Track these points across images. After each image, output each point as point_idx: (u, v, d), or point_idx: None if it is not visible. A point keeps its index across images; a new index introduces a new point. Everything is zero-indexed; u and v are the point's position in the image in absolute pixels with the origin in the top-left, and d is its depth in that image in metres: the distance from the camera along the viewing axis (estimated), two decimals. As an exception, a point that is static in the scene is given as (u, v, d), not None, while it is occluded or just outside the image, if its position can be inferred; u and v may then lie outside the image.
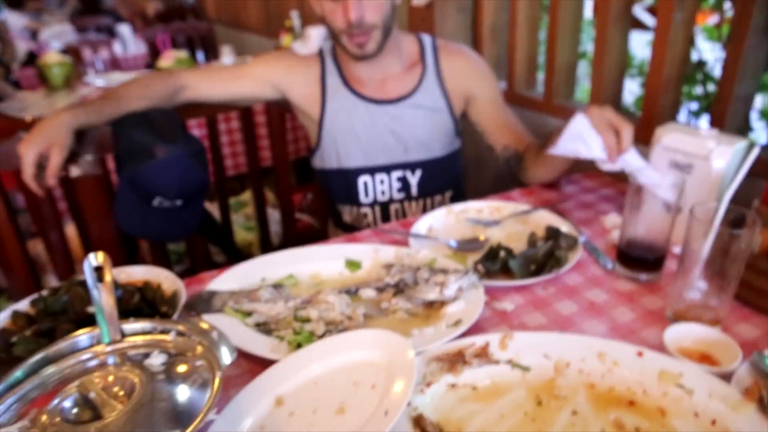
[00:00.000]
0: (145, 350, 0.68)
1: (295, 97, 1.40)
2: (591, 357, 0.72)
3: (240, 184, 2.74)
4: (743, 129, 1.17)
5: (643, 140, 1.24)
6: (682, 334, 0.76)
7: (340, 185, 1.42)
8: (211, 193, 1.74)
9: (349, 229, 1.42)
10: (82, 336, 0.69)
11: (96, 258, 0.71)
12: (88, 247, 1.60)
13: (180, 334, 0.70)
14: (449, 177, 1.45)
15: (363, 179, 1.39)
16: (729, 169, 0.96)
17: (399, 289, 0.85)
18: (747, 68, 1.08)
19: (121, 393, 0.61)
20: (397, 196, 1.41)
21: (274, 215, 1.95)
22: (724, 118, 1.14)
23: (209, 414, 0.57)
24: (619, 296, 0.90)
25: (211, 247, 1.81)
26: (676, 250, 0.97)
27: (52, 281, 1.79)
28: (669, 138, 1.01)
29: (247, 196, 2.25)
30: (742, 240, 0.76)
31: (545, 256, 0.93)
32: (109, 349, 0.68)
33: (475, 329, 0.78)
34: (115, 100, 1.27)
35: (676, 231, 0.91)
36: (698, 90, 1.33)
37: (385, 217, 1.42)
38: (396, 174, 1.39)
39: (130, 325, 0.72)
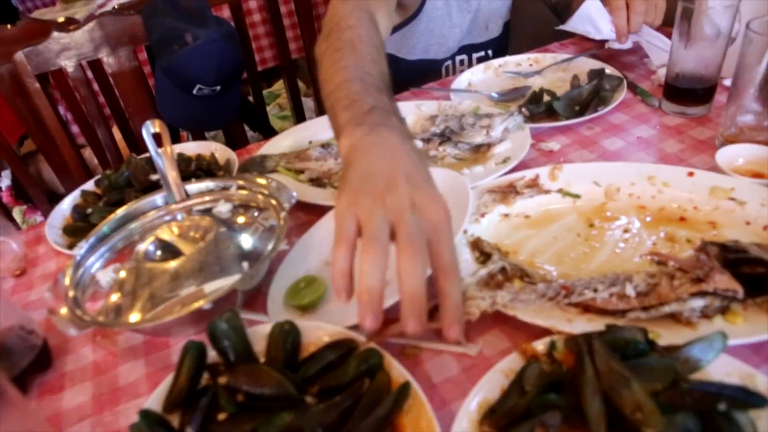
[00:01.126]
0: (212, 204, 0.72)
1: None
2: (641, 181, 0.73)
3: (266, 82, 2.72)
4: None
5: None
6: (734, 154, 0.76)
7: (419, 75, 1.30)
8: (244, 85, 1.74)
9: None
10: (156, 196, 0.74)
11: (153, 125, 0.74)
12: (134, 145, 1.65)
13: (240, 188, 0.74)
14: (508, 44, 1.43)
15: (446, 64, 1.33)
16: (791, -13, 0.90)
17: (445, 137, 0.86)
18: None
19: (197, 236, 0.66)
20: None
21: (307, 103, 1.94)
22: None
23: (280, 244, 0.61)
24: (667, 130, 0.89)
25: (250, 137, 1.84)
26: (727, 82, 0.95)
27: (105, 183, 1.86)
28: (722, -41, 0.95)
29: (278, 86, 2.24)
30: (801, 51, 0.72)
31: (590, 96, 0.91)
32: (180, 206, 0.72)
33: (522, 167, 0.79)
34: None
35: (727, 63, 0.88)
36: None
37: None
38: (477, 55, 1.35)
39: (194, 185, 0.76)
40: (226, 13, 1.63)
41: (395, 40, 1.29)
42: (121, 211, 0.71)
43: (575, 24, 1.03)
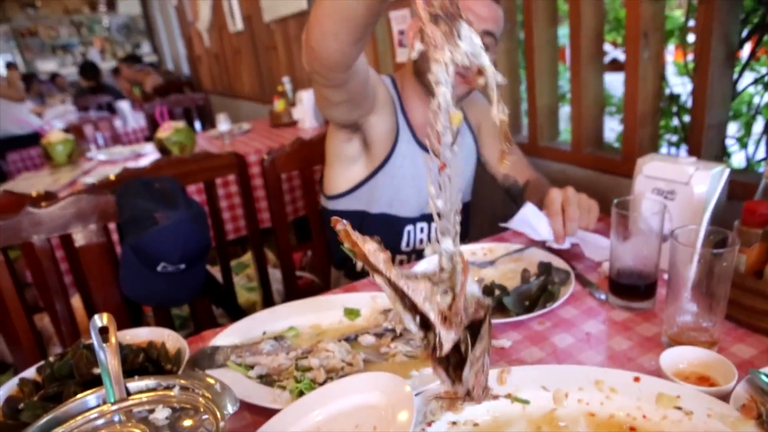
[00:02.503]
0: (150, 406, 0.69)
1: (373, 129, 1.28)
2: (588, 386, 0.73)
3: (241, 247, 2.77)
4: (720, 156, 1.21)
5: (626, 173, 1.29)
6: (677, 357, 0.78)
7: (382, 232, 1.34)
8: (212, 256, 1.77)
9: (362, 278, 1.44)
10: (90, 396, 0.71)
11: (101, 319, 0.74)
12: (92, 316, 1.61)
13: (183, 388, 0.72)
14: (468, 222, 1.51)
15: (408, 228, 1.40)
16: (710, 193, 0.99)
17: (397, 333, 0.87)
18: (714, 97, 1.14)
19: (127, 449, 0.62)
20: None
21: (275, 274, 1.96)
22: (700, 146, 1.18)
23: (214, 463, 0.58)
24: (614, 326, 0.91)
25: (214, 310, 1.82)
26: (666, 276, 1.00)
27: (57, 354, 1.79)
28: (649, 167, 1.06)
29: (247, 257, 2.28)
30: (725, 259, 0.78)
31: (539, 291, 0.95)
32: (115, 407, 0.69)
33: (473, 366, 0.79)
34: None
35: (665, 257, 0.94)
36: (675, 122, 1.39)
37: None
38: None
39: (135, 383, 0.73)
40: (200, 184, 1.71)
41: (364, 195, 1.38)
42: (46, 417, 0.67)
43: (515, 224, 1.11)
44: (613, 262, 0.96)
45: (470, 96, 1.50)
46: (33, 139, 4.24)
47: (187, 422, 0.67)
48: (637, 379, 0.72)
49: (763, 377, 0.69)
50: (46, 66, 10.18)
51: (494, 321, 0.90)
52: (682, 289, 0.81)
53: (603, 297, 0.98)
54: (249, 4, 4.03)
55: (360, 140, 1.31)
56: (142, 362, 0.86)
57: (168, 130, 2.50)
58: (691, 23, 1.37)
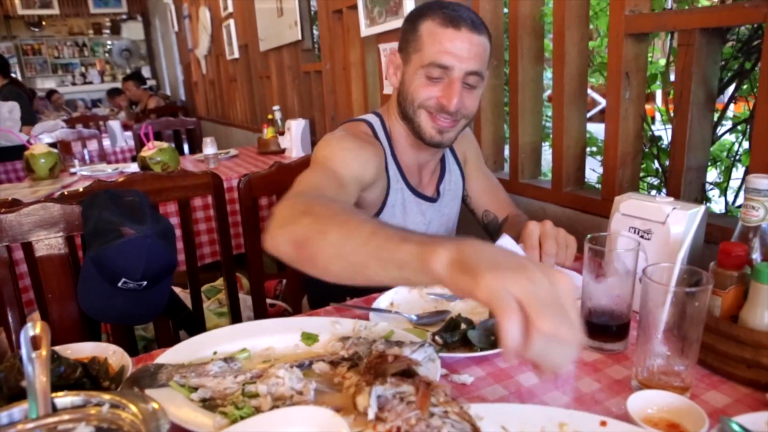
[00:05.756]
0: (72, 424, 0.64)
1: (365, 200, 1.21)
2: (552, 427, 0.68)
3: (220, 272, 2.71)
4: (699, 200, 1.20)
5: (605, 213, 1.26)
6: (646, 402, 0.73)
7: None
8: (185, 280, 1.71)
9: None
10: (13, 410, 0.66)
11: (34, 327, 0.69)
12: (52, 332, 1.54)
13: (114, 406, 0.66)
14: None
15: None
16: (687, 233, 0.97)
17: (353, 362, 0.82)
18: (694, 140, 1.13)
19: (38, 470, 0.56)
20: None
21: (247, 301, 1.91)
22: (679, 188, 1.16)
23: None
24: (583, 366, 0.87)
25: (181, 334, 1.76)
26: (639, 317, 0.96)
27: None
28: (626, 205, 1.03)
29: (221, 282, 2.22)
30: (697, 299, 0.75)
31: (506, 326, 0.90)
32: (32, 425, 0.64)
33: (431, 401, 0.74)
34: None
35: (639, 298, 0.91)
36: (657, 165, 1.38)
37: None
38: None
39: (62, 399, 0.68)
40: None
41: None
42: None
43: None
44: (584, 301, 0.92)
45: None
46: (20, 151, 4.19)
47: (111, 443, 0.62)
48: (603, 424, 0.68)
49: (735, 426, 0.65)
50: (46, 84, 10.23)
51: (456, 355, 0.85)
52: (654, 330, 0.78)
53: (574, 336, 0.94)
54: (247, 33, 4.07)
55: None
56: (78, 377, 0.80)
57: (152, 149, 2.48)
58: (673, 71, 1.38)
